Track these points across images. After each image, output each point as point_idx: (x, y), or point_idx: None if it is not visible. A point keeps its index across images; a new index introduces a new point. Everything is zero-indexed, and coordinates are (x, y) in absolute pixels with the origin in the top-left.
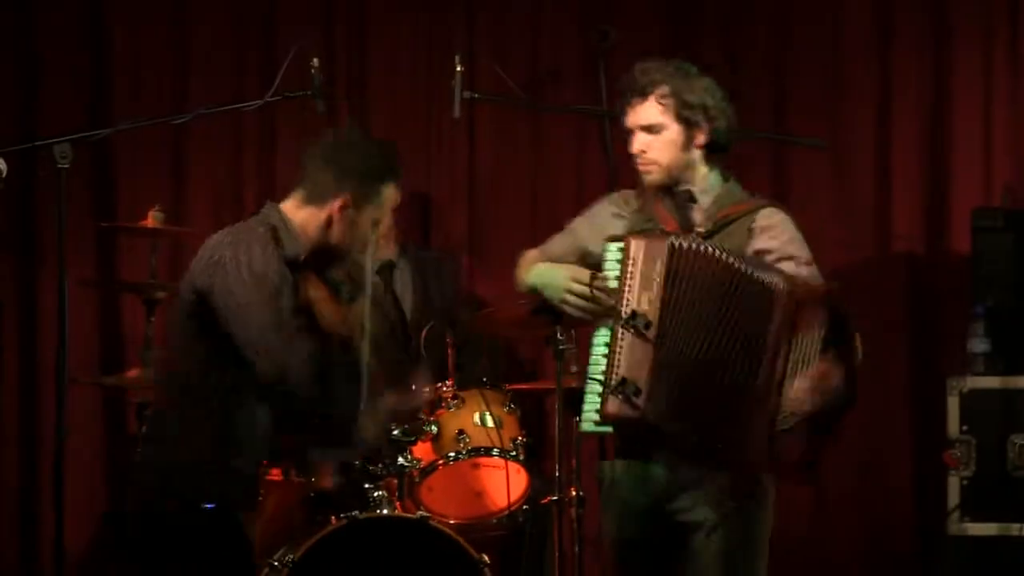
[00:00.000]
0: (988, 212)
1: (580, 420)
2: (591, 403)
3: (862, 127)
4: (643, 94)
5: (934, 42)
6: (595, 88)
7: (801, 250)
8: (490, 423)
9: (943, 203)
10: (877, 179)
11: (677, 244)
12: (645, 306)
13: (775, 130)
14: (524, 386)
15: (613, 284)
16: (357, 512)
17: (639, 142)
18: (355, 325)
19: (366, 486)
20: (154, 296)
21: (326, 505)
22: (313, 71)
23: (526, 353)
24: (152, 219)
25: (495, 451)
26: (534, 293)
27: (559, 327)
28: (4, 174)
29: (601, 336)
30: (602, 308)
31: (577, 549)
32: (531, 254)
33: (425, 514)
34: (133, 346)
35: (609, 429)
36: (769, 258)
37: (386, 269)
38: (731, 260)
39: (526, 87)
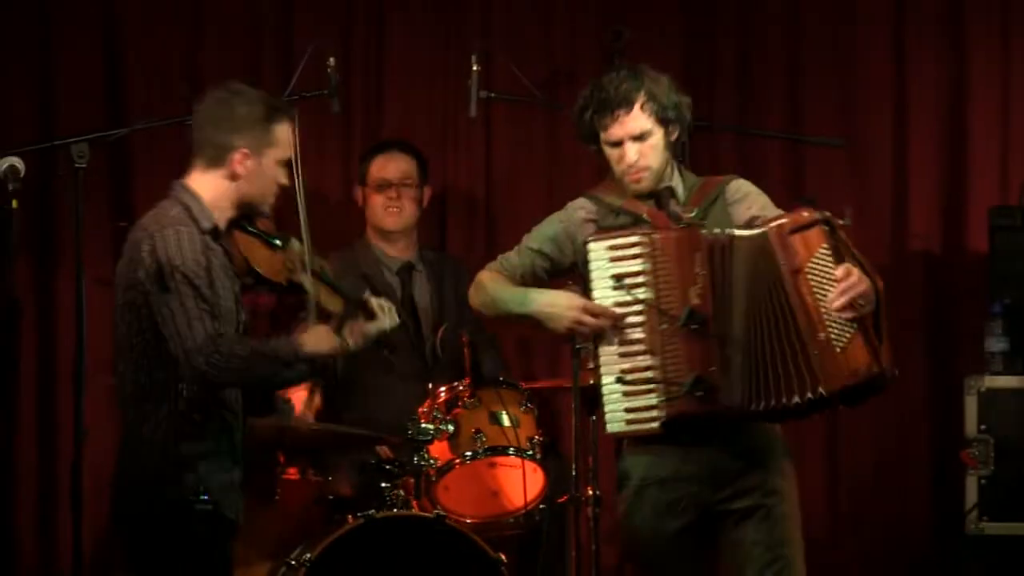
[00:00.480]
0: (1005, 211)
1: (606, 423)
2: (615, 405)
3: (879, 126)
4: (628, 104)
5: (951, 40)
6: None
7: (778, 210)
8: (507, 422)
9: (960, 202)
10: (894, 178)
11: (710, 236)
12: (696, 300)
13: (791, 130)
14: (540, 384)
15: (639, 290)
16: (374, 511)
17: (632, 152)
18: (296, 266)
19: (383, 485)
20: None
21: (343, 504)
22: (329, 70)
23: (543, 352)
24: None
25: (511, 450)
26: (506, 318)
27: None
28: (22, 174)
29: (623, 337)
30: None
31: (594, 547)
32: (486, 276)
33: (442, 513)
34: None
35: (646, 427)
36: (756, 224)
37: (405, 271)
38: (739, 233)
39: (542, 86)
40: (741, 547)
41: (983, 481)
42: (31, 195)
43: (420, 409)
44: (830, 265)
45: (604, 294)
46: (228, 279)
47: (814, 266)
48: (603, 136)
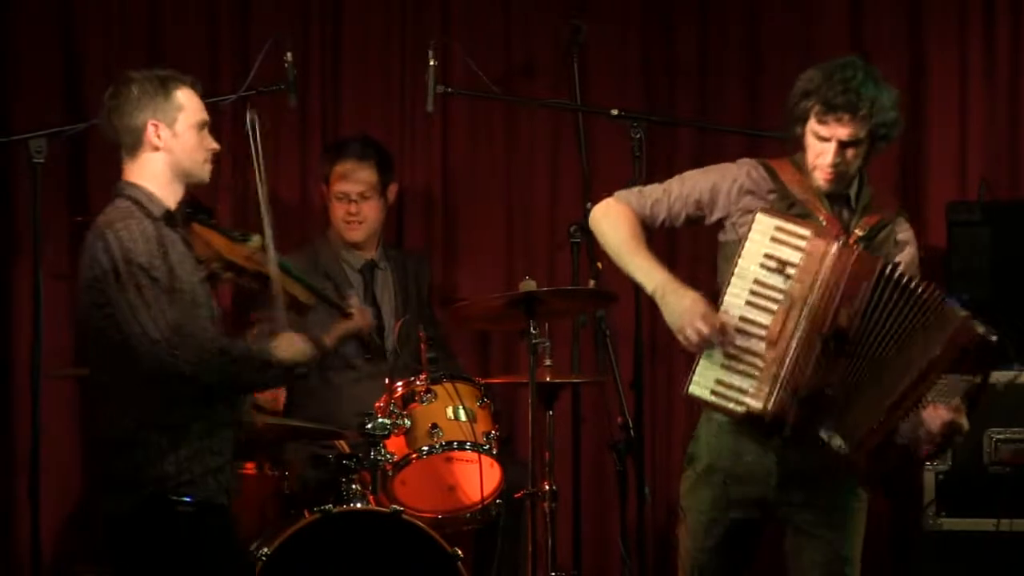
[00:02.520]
0: (964, 206)
1: (690, 383)
2: (709, 371)
3: None
4: (854, 111)
5: (908, 34)
6: (569, 82)
7: (917, 270)
8: (463, 417)
9: (919, 197)
10: None
11: (887, 272)
12: (844, 322)
13: (750, 123)
14: (497, 380)
15: (782, 279)
16: (331, 505)
17: (835, 154)
18: (259, 259)
19: (340, 480)
20: None
21: (300, 499)
22: (287, 65)
23: (500, 347)
24: None
25: (468, 445)
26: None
27: (533, 321)
28: None
29: (749, 311)
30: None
31: (550, 542)
32: (624, 212)
33: (399, 508)
34: None
35: (727, 406)
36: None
37: (368, 269)
38: (928, 295)
39: (500, 82)
40: (798, 560)
41: (940, 477)
42: None
43: (377, 404)
44: (957, 394)
45: (748, 263)
46: (190, 264)
47: (949, 382)
48: (815, 128)
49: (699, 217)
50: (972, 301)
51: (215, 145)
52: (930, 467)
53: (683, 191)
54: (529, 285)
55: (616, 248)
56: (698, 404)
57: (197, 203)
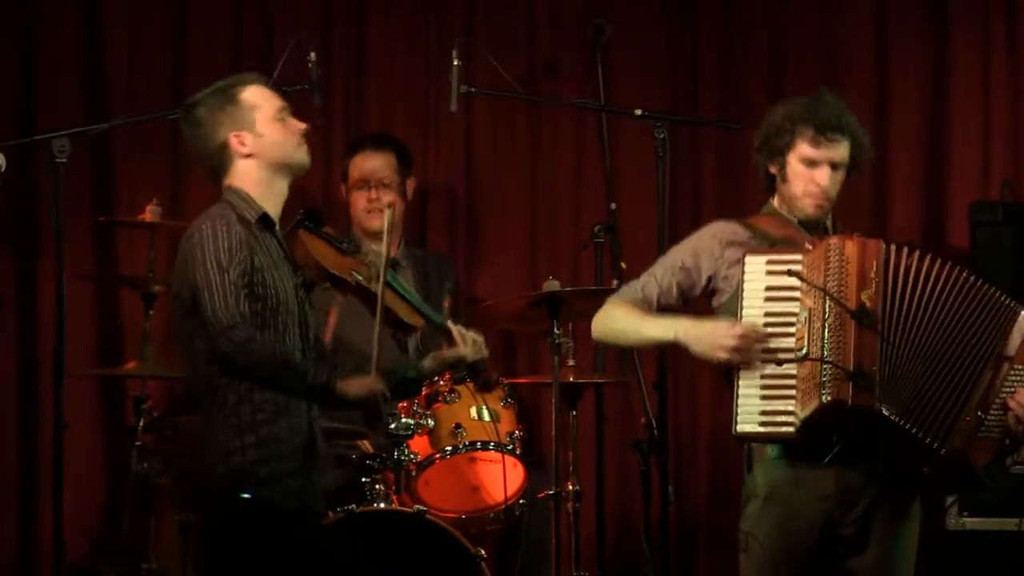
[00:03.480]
0: (987, 206)
1: (736, 423)
2: (751, 404)
3: (860, 122)
4: (843, 132)
5: (932, 36)
6: (592, 82)
7: None
8: (486, 417)
9: (942, 197)
10: (875, 173)
11: (890, 246)
12: (867, 302)
13: None
14: (521, 380)
15: (792, 303)
16: (355, 506)
17: (824, 176)
18: (366, 272)
19: (364, 480)
20: (151, 290)
21: (325, 498)
22: (310, 65)
23: (524, 347)
24: (150, 213)
25: (491, 445)
26: (639, 347)
27: (556, 321)
28: (3, 168)
29: (771, 342)
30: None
31: (574, 542)
32: (619, 309)
33: (422, 508)
34: (131, 340)
35: (780, 431)
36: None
37: (389, 267)
38: (953, 269)
39: (523, 81)
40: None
41: None
42: (12, 190)
43: (400, 404)
44: None
45: (753, 302)
46: (281, 269)
47: (1021, 370)
48: (805, 152)
49: (690, 285)
50: None
51: (302, 125)
52: None
53: (667, 263)
54: (553, 285)
55: (626, 329)
56: (750, 443)
57: (313, 210)
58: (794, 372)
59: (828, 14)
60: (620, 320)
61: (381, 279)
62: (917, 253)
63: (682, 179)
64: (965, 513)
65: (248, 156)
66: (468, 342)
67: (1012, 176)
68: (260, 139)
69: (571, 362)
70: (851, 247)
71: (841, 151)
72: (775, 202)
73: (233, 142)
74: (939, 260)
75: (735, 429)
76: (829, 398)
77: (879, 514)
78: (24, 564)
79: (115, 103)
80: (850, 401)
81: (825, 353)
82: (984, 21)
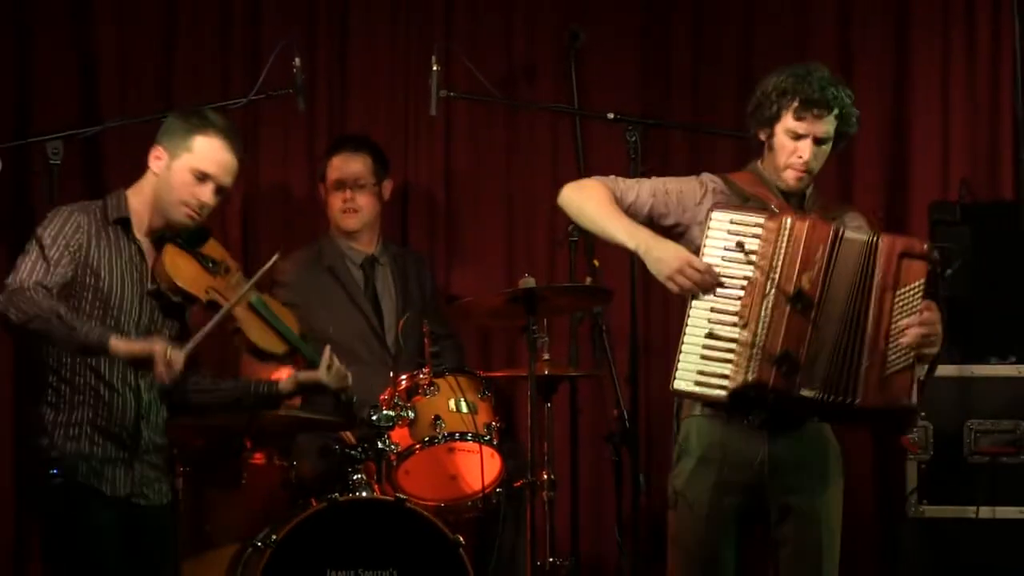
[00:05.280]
0: (945, 206)
1: (674, 379)
2: (690, 364)
3: None
4: (829, 108)
5: (894, 41)
6: (568, 87)
7: None
8: (464, 409)
9: (902, 197)
10: (837, 173)
11: (841, 232)
12: (806, 285)
13: (740, 128)
14: (498, 373)
15: (748, 267)
16: (337, 495)
17: (806, 150)
18: (224, 291)
19: (346, 470)
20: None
21: (308, 488)
22: (295, 70)
23: (501, 342)
24: None
25: (469, 436)
26: (596, 233)
27: (532, 317)
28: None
29: (718, 303)
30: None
31: (549, 529)
32: (598, 188)
33: (403, 496)
34: None
35: (712, 393)
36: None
37: (368, 264)
38: (852, 235)
39: (501, 86)
40: (778, 549)
41: (922, 466)
42: (6, 191)
43: (382, 397)
44: (918, 300)
45: (713, 256)
46: (127, 271)
47: (904, 293)
48: (789, 125)
49: (661, 215)
50: (951, 298)
51: (205, 199)
52: (912, 457)
53: (654, 186)
54: (529, 282)
55: (593, 214)
56: (683, 399)
57: (201, 229)
58: (736, 336)
59: (795, 22)
60: (592, 203)
61: (232, 302)
62: (851, 236)
63: None
64: (925, 501)
65: (154, 174)
66: (333, 371)
67: (970, 176)
68: (166, 173)
69: (546, 356)
70: (800, 228)
71: (826, 126)
72: (760, 163)
73: (153, 152)
74: (855, 236)
75: (672, 384)
76: (753, 377)
77: (806, 479)
78: None
79: (108, 106)
80: (771, 383)
81: (760, 328)
82: (943, 27)
